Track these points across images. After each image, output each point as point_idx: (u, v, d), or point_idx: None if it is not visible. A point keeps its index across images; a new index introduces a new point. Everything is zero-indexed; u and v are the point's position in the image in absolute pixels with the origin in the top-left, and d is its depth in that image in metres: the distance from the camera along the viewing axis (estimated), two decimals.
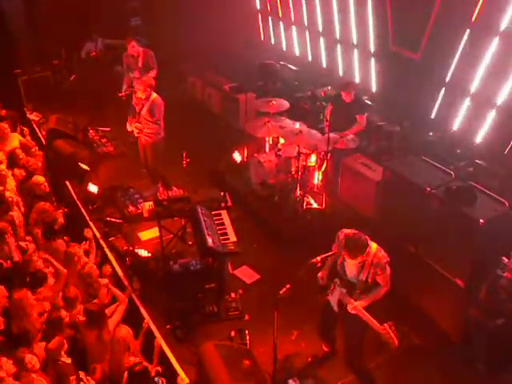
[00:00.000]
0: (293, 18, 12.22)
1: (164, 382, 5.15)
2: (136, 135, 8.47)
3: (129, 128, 8.49)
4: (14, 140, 8.52)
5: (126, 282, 6.69)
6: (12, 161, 7.97)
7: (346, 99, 8.30)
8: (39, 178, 7.55)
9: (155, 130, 8.30)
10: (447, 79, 8.66)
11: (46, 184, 7.51)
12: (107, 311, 5.85)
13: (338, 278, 5.30)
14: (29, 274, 5.95)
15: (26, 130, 9.13)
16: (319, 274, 5.45)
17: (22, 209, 7.21)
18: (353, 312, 5.13)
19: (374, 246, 5.12)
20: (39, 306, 5.63)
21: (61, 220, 7.13)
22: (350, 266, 5.18)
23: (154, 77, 9.12)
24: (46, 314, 5.58)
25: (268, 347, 5.49)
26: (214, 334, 6.39)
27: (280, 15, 12.67)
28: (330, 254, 5.24)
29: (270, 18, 13.15)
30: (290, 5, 12.14)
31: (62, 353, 5.09)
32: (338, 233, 5.27)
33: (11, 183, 7.43)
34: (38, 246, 6.65)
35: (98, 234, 7.50)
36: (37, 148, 8.60)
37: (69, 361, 5.14)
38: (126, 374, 5.08)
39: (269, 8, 13.04)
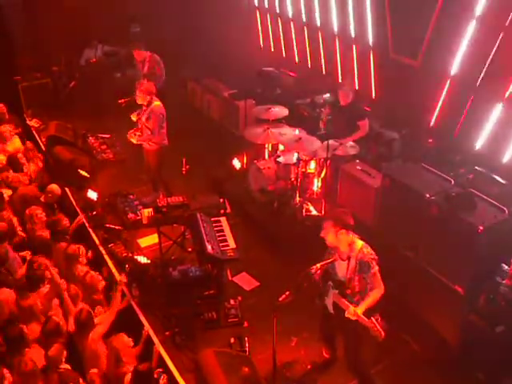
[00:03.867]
0: (292, 25, 12.25)
1: (165, 378, 5.15)
2: (136, 142, 8.49)
3: (128, 137, 8.52)
4: (17, 142, 8.56)
5: (125, 289, 6.68)
6: (13, 165, 8.00)
7: (343, 102, 8.31)
8: (54, 187, 7.61)
9: (157, 138, 8.28)
10: (447, 86, 8.68)
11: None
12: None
13: (331, 280, 5.31)
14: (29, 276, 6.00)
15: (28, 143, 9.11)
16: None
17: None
18: (353, 318, 5.08)
19: (359, 242, 5.17)
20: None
21: (65, 222, 7.14)
22: (340, 267, 5.22)
23: (158, 84, 9.06)
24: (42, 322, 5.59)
25: (267, 354, 5.48)
26: (214, 340, 6.38)
27: (279, 22, 12.71)
28: (329, 261, 5.24)
29: (269, 25, 13.17)
30: (289, 11, 12.17)
31: (63, 359, 5.09)
32: None
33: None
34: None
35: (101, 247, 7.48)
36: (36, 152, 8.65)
37: (68, 367, 5.14)
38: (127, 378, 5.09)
39: (268, 16, 13.07)
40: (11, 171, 7.92)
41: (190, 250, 7.35)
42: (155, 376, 5.10)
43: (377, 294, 5.15)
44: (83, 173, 8.93)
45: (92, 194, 8.27)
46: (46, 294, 5.98)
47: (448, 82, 8.56)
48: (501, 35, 7.63)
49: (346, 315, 5.10)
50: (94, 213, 8.18)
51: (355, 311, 5.05)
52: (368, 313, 5.06)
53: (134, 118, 8.39)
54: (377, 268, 5.10)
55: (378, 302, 5.16)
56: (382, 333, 5.03)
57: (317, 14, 11.22)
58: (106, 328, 5.70)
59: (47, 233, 6.85)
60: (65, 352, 5.15)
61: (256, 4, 13.22)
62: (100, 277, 6.41)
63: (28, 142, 8.94)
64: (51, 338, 5.31)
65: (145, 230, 7.75)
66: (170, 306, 6.73)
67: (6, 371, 4.86)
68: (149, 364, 5.23)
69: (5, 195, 7.29)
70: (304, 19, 11.70)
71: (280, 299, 4.94)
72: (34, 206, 7.12)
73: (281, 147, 8.84)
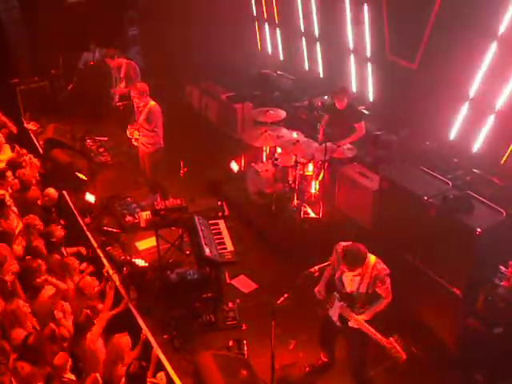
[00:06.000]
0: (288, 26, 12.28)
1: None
2: (134, 143, 8.48)
3: (127, 133, 8.47)
4: (7, 150, 8.51)
5: (123, 292, 6.67)
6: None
7: (339, 106, 8.30)
8: (50, 191, 7.60)
9: (152, 140, 8.28)
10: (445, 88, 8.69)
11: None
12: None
13: (336, 292, 5.28)
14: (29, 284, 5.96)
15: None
16: (316, 289, 5.41)
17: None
18: (356, 327, 5.09)
19: (372, 258, 5.08)
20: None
21: (59, 233, 7.11)
22: (349, 281, 5.15)
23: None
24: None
25: (266, 357, 5.47)
26: (212, 343, 6.37)
27: (277, 24, 12.72)
28: (327, 263, 5.23)
29: (267, 28, 13.19)
30: (285, 12, 12.20)
31: (67, 368, 5.06)
32: (335, 246, 5.24)
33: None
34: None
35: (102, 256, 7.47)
36: (31, 156, 8.60)
37: (73, 377, 5.10)
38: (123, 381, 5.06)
39: (265, 17, 13.08)
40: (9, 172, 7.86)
41: (187, 252, 7.34)
42: None
43: (383, 303, 5.15)
44: (81, 176, 8.92)
45: (90, 197, 8.27)
46: (49, 299, 5.94)
47: (446, 84, 8.58)
48: (496, 41, 7.69)
49: (350, 325, 5.11)
50: (92, 216, 8.20)
51: (357, 319, 5.07)
52: (380, 330, 5.04)
53: (130, 134, 8.40)
54: (389, 281, 5.08)
55: (384, 309, 5.15)
56: (403, 354, 4.95)
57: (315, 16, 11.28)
58: (101, 327, 5.68)
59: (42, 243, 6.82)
60: (70, 361, 5.10)
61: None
62: (95, 281, 6.39)
63: (19, 148, 8.84)
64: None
65: (143, 232, 7.71)
66: (168, 308, 6.72)
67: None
68: (140, 363, 5.18)
69: (8, 203, 7.24)
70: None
71: (278, 302, 4.94)
72: (31, 213, 7.07)
73: (278, 150, 8.84)
